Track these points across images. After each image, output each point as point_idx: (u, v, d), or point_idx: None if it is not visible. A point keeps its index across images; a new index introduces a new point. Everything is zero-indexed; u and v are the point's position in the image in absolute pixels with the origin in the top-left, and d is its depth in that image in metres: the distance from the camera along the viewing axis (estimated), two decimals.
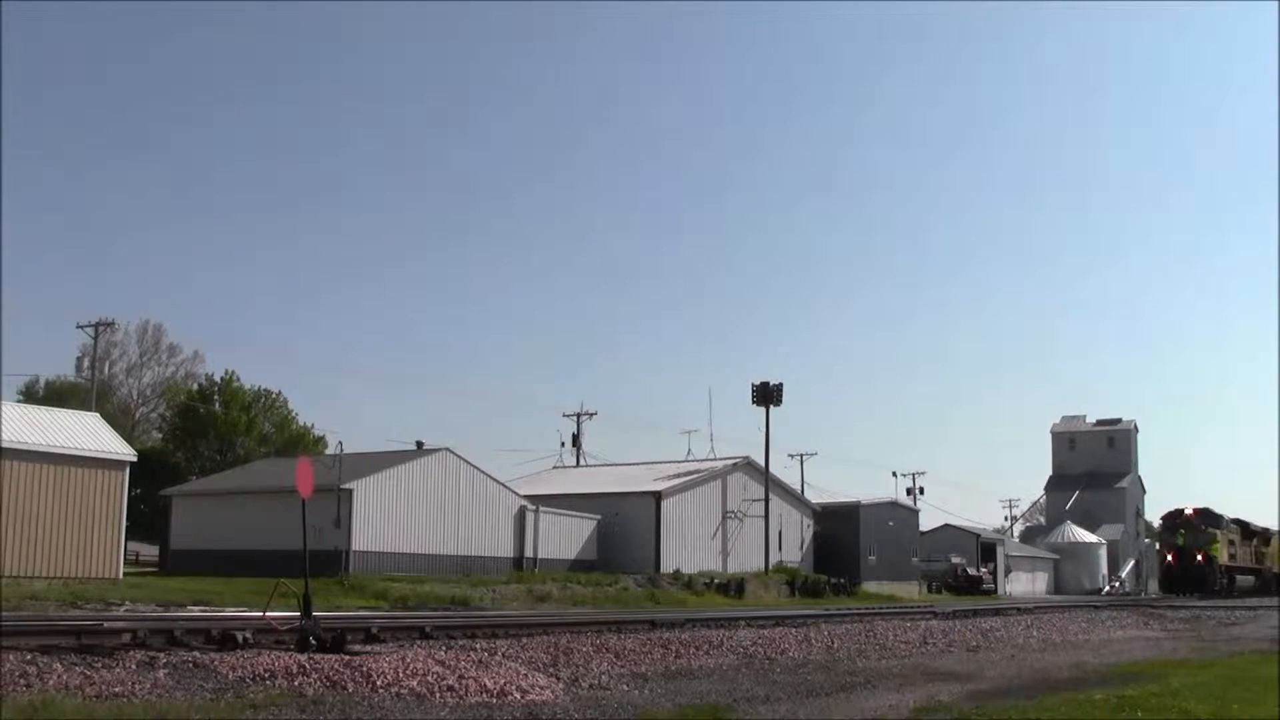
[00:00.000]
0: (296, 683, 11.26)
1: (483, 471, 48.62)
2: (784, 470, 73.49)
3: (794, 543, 62.88)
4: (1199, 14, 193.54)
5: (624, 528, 52.94)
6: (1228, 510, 74.79)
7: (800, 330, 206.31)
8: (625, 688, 13.33)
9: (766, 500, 59.21)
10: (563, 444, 74.77)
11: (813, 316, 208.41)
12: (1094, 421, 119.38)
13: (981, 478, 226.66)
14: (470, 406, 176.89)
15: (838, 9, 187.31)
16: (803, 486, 74.11)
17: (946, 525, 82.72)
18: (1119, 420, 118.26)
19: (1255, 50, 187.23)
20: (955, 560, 74.11)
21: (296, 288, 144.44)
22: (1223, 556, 69.40)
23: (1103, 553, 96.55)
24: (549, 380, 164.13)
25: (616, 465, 68.29)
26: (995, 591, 74.65)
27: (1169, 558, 70.13)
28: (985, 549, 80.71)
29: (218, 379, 77.37)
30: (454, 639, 16.71)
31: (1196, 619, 37.47)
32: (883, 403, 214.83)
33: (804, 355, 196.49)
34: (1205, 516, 70.93)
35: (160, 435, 79.71)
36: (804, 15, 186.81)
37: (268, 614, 15.25)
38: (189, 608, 24.10)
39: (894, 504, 73.52)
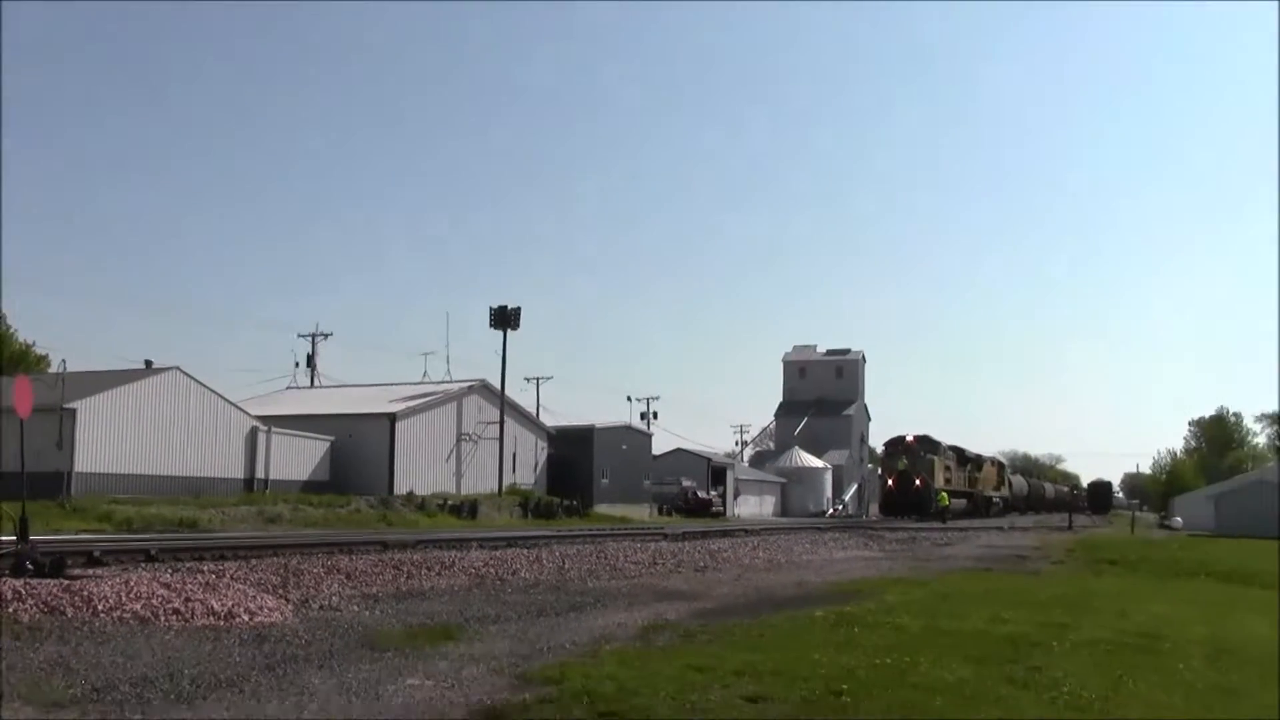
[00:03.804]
0: (11, 609, 10.96)
1: (214, 391, 47.19)
2: (520, 394, 74.08)
3: (528, 465, 63.61)
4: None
5: (358, 449, 52.44)
6: (945, 438, 79.37)
7: (538, 254, 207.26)
8: (356, 609, 13.46)
9: (501, 423, 59.60)
10: (297, 365, 73.16)
11: (552, 241, 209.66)
12: (824, 351, 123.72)
13: (714, 404, 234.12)
14: (202, 327, 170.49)
15: None
16: (538, 410, 74.93)
17: (679, 449, 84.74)
18: (848, 351, 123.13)
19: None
20: (686, 483, 76.17)
21: (14, 199, 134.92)
22: (939, 481, 73.70)
23: (828, 477, 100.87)
24: (285, 301, 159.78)
25: (351, 387, 67.29)
26: (724, 514, 77.25)
27: (890, 482, 73.95)
28: (716, 473, 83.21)
29: None
30: (180, 561, 16.48)
31: (913, 540, 39.60)
32: (620, 329, 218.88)
33: (543, 280, 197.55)
34: (924, 443, 75.10)
35: None
36: None
37: None
38: None
39: (628, 428, 74.97)
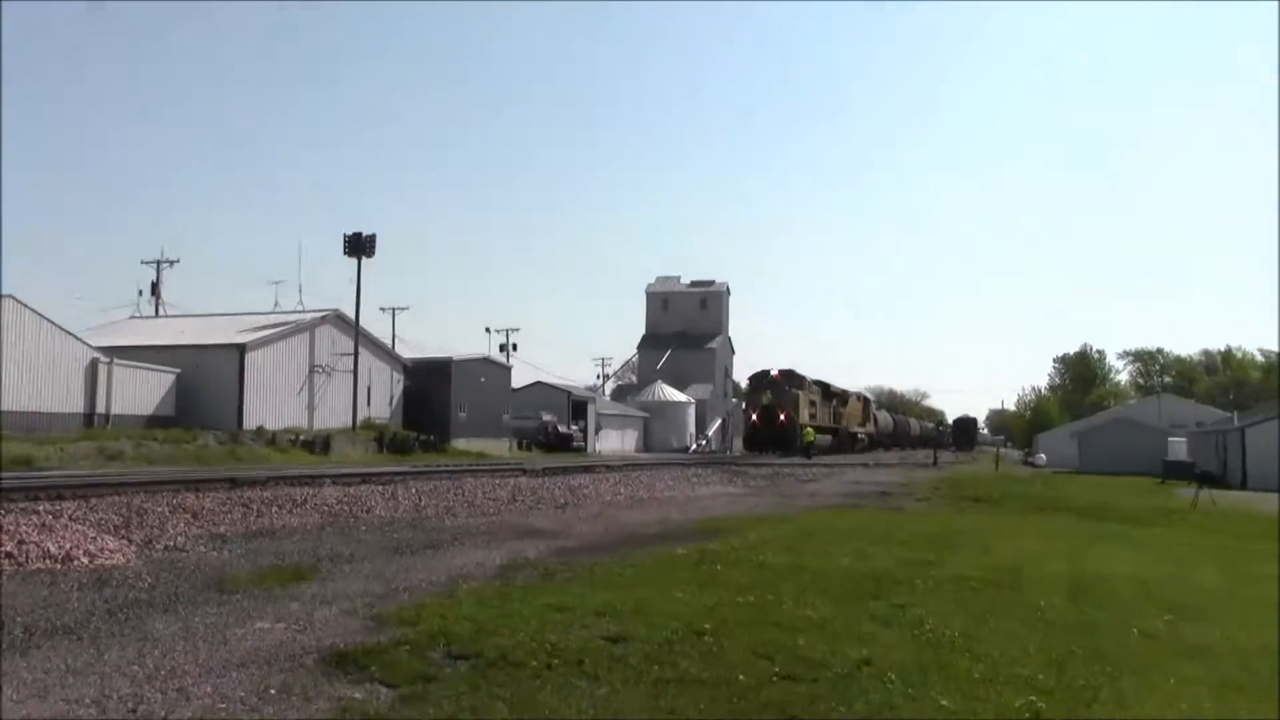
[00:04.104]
0: None
1: (50, 321, 45.47)
2: (375, 324, 73.07)
3: (383, 398, 63.00)
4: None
5: (205, 382, 51.26)
6: (810, 373, 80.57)
7: (395, 180, 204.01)
8: (203, 549, 13.27)
9: (356, 354, 58.85)
10: (140, 293, 71.05)
11: (410, 166, 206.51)
12: (688, 283, 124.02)
13: (576, 336, 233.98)
14: (38, 252, 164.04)
15: None
16: (394, 341, 74.02)
17: (539, 382, 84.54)
18: (712, 283, 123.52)
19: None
20: (546, 418, 76.21)
21: None
22: (804, 416, 74.84)
23: (691, 412, 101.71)
24: (128, 225, 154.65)
25: (198, 316, 65.68)
26: (585, 449, 77.56)
27: (754, 417, 74.88)
28: (577, 407, 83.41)
29: None
30: (14, 502, 15.95)
31: (777, 476, 40.46)
32: (479, 258, 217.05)
33: (400, 206, 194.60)
34: (789, 378, 76.02)
35: None
36: None
37: None
38: None
39: (486, 360, 74.55)
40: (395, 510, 19.51)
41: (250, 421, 50.37)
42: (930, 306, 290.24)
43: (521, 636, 8.16)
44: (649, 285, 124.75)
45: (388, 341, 71.16)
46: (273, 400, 53.61)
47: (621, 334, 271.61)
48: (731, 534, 17.15)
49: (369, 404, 60.94)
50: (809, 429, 73.04)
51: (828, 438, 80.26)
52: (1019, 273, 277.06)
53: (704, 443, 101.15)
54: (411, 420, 63.10)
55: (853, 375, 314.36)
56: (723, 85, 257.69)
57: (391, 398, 64.11)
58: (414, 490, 22.72)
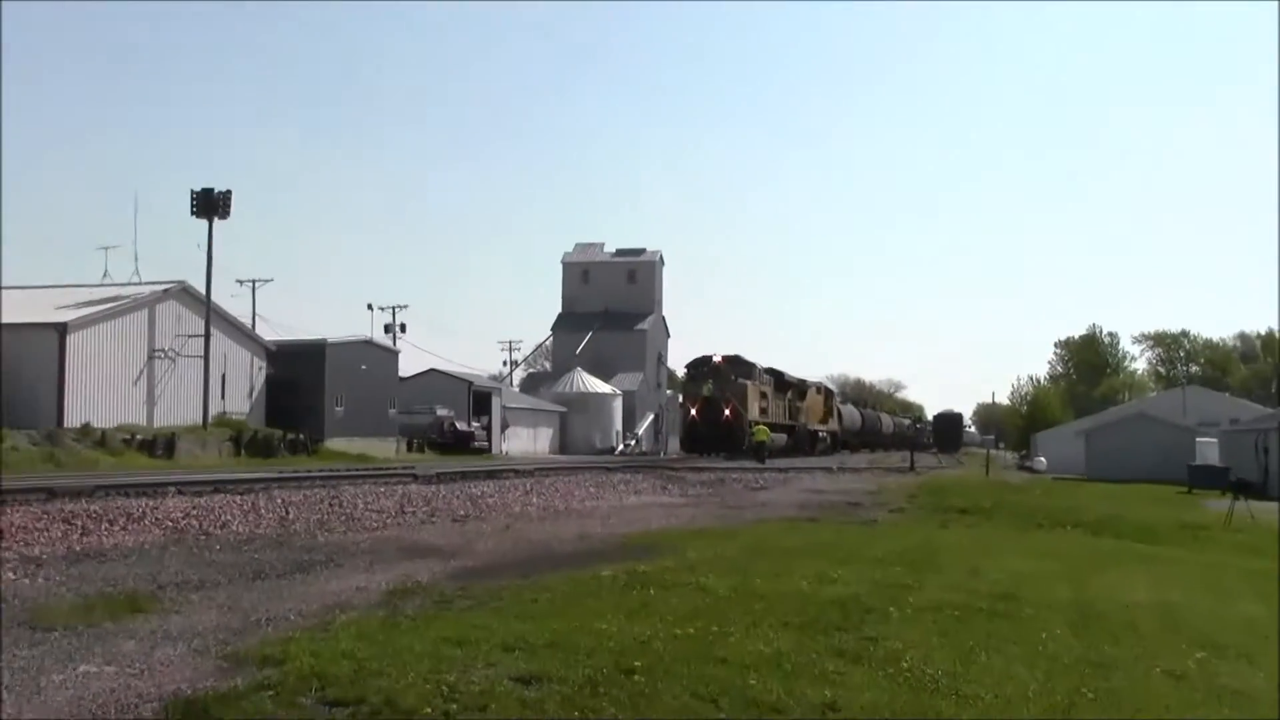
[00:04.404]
0: None
1: None
2: (232, 300, 72.50)
3: (241, 389, 62.46)
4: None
5: (17, 370, 50.48)
6: (761, 359, 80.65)
7: (256, 125, 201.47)
8: (12, 576, 13.09)
9: (207, 336, 58.27)
10: None
11: (274, 109, 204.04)
12: (613, 251, 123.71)
13: (477, 315, 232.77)
14: None
15: None
16: (254, 320, 73.49)
17: (433, 370, 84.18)
18: (642, 251, 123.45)
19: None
20: (442, 413, 75.87)
21: None
22: (754, 411, 74.93)
23: (618, 405, 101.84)
24: None
25: (10, 289, 64.66)
26: (490, 450, 77.44)
27: (693, 411, 74.78)
28: (479, 399, 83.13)
29: None
30: None
31: (721, 483, 40.75)
32: (359, 220, 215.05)
33: (261, 157, 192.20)
34: (735, 365, 75.82)
35: None
36: None
37: None
38: None
39: (369, 343, 74.13)
40: (256, 525, 19.40)
41: (73, 418, 49.74)
42: (906, 281, 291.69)
43: (412, 677, 8.12)
44: (566, 254, 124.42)
45: (247, 321, 70.66)
46: (102, 392, 52.94)
47: (533, 313, 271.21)
48: (667, 552, 17.21)
49: (223, 396, 60.38)
50: (760, 426, 73.04)
51: (783, 437, 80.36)
52: (1012, 238, 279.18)
53: (633, 443, 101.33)
54: (277, 416, 62.61)
55: (813, 363, 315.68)
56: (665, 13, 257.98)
57: (252, 389, 63.57)
58: (279, 501, 22.64)
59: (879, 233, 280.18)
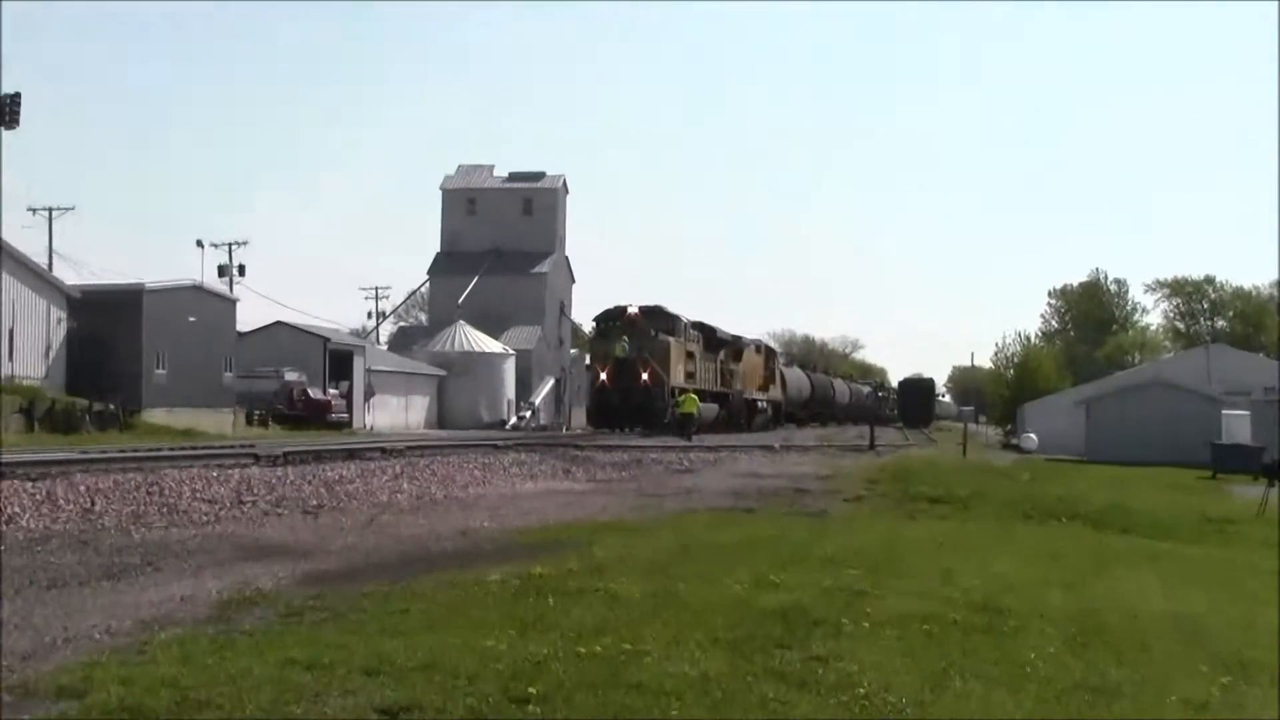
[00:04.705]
0: None
1: None
2: (22, 234, 71.63)
3: (35, 348, 61.60)
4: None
5: None
6: (687, 311, 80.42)
7: (45, 17, 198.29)
8: None
9: None
10: None
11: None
12: (505, 176, 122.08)
13: (334, 254, 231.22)
14: None
15: None
16: (51, 259, 72.75)
17: (279, 323, 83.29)
18: (542, 175, 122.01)
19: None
20: (291, 377, 75.20)
21: None
22: (678, 375, 74.76)
23: (510, 367, 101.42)
24: None
25: None
26: (351, 424, 77.25)
27: (603, 375, 74.49)
28: (337, 360, 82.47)
29: None
30: None
31: (637, 464, 41.09)
32: (185, 133, 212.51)
33: (61, 51, 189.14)
34: (655, 317, 75.34)
35: None
36: None
37: None
38: None
39: (199, 289, 73.01)
40: (53, 520, 19.26)
41: None
42: (866, 216, 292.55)
43: (250, 710, 8.08)
44: (447, 179, 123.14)
45: (41, 260, 69.79)
46: None
47: (406, 252, 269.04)
48: (569, 551, 17.30)
49: (11, 357, 59.45)
50: (687, 395, 72.98)
51: (714, 407, 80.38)
52: (997, 162, 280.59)
53: (529, 415, 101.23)
54: (81, 381, 61.67)
55: (750, 317, 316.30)
56: None
57: (48, 347, 62.64)
58: (83, 488, 22.38)
59: (835, 153, 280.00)
